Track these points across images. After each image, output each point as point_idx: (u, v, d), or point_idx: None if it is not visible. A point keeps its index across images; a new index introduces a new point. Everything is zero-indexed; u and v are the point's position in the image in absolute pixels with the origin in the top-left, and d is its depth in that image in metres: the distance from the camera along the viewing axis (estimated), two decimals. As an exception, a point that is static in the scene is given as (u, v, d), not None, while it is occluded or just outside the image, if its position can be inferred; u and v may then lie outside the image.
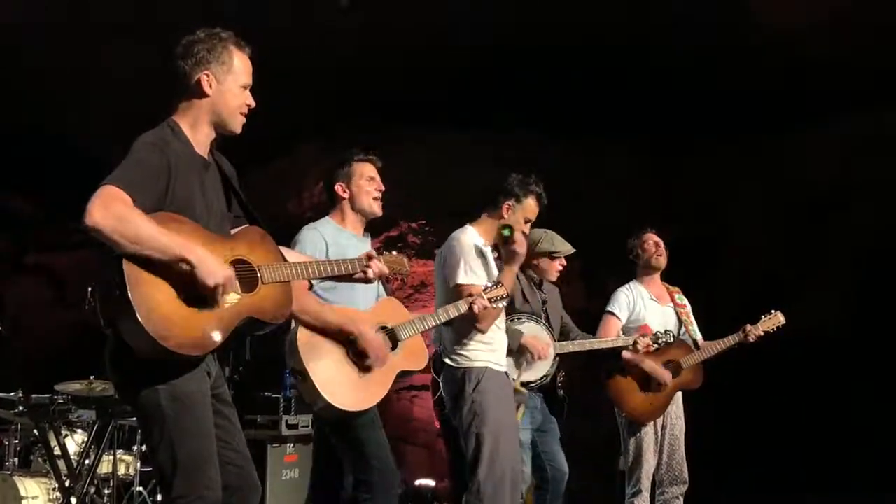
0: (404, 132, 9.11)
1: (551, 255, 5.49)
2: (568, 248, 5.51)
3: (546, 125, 9.13)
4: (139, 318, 2.76)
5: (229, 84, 3.13)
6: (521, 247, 4.70)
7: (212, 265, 2.88)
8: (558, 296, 5.78)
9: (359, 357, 4.05)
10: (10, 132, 8.68)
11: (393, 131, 8.85)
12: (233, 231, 3.18)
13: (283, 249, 3.30)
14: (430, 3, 7.81)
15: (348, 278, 3.56)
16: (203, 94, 3.12)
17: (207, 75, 3.11)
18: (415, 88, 8.63)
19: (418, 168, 9.22)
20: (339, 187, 4.41)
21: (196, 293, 2.89)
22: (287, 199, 9.83)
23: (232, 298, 2.99)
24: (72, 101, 8.77)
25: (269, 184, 9.92)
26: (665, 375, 5.65)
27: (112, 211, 2.78)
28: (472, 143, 9.32)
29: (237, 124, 3.18)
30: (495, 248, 4.91)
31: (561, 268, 5.59)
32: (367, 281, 3.59)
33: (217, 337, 2.93)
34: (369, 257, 3.58)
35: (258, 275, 3.07)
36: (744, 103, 8.69)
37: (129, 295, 2.77)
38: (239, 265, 3.04)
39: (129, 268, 2.80)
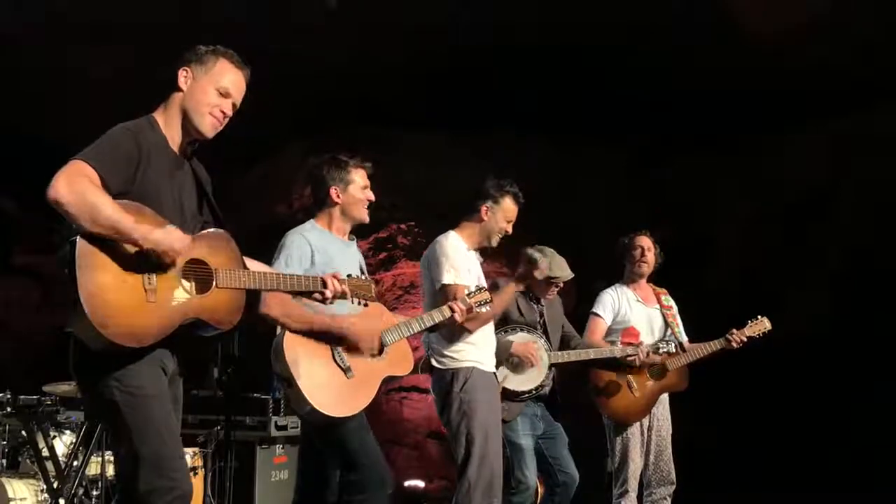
0: (392, 134, 9.13)
1: (550, 280, 5.50)
2: (567, 274, 5.52)
3: (532, 126, 9.15)
4: (81, 298, 2.78)
5: (203, 83, 3.19)
6: (541, 273, 4.94)
7: (161, 233, 2.90)
8: (560, 306, 5.86)
9: (349, 352, 4.06)
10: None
11: (380, 133, 8.87)
12: (199, 233, 3.16)
13: (248, 261, 3.26)
14: (415, 5, 7.81)
15: (306, 295, 3.47)
16: (178, 89, 3.20)
17: (186, 71, 3.21)
18: (401, 90, 8.64)
19: (406, 170, 9.23)
20: (333, 191, 4.38)
21: (148, 283, 2.89)
22: (275, 201, 9.82)
23: (180, 296, 2.99)
24: (52, 101, 8.76)
25: (256, 187, 9.93)
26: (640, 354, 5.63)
27: (75, 187, 2.82)
28: (458, 144, 9.34)
29: (206, 124, 3.19)
30: (483, 251, 4.98)
31: (556, 290, 5.68)
32: (324, 302, 3.49)
33: (155, 330, 2.92)
34: (323, 282, 3.46)
35: (214, 278, 3.06)
36: (726, 105, 8.72)
37: (77, 275, 2.79)
38: (196, 265, 3.04)
39: (82, 248, 2.82)
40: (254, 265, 3.30)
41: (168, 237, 2.92)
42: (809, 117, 8.78)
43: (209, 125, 3.20)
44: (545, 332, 5.56)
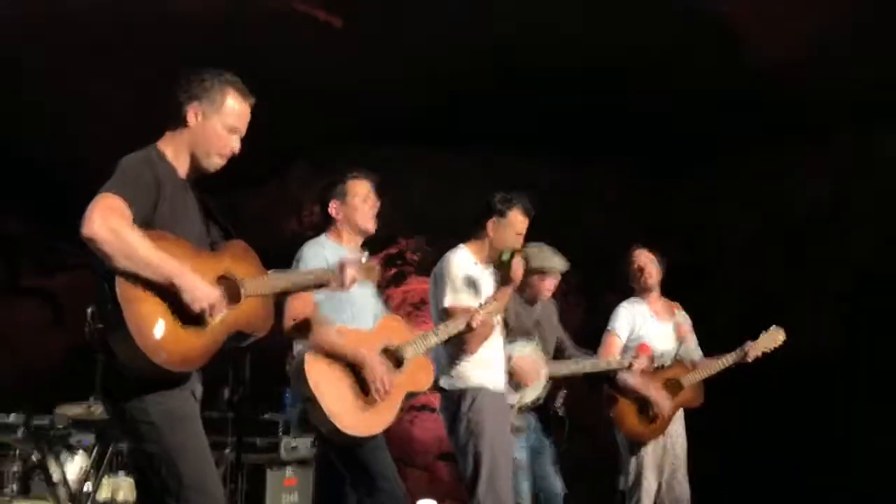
0: (400, 150, 9.13)
1: (542, 272, 5.43)
2: (559, 265, 5.42)
3: (536, 145, 9.14)
4: (131, 332, 2.80)
5: (214, 122, 3.17)
6: (517, 271, 4.66)
7: (200, 289, 2.93)
8: (555, 312, 5.73)
9: (364, 387, 4.07)
10: (4, 152, 8.69)
11: (388, 149, 8.87)
12: (217, 247, 3.23)
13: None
14: (424, 24, 7.84)
15: (324, 287, 3.67)
16: (187, 126, 3.18)
17: (196, 109, 3.17)
18: (410, 107, 8.64)
19: (416, 186, 9.23)
20: (332, 206, 4.43)
21: (186, 310, 2.93)
22: (286, 219, 9.83)
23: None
24: (56, 121, 8.80)
25: (266, 205, 9.94)
26: (663, 401, 5.61)
27: (110, 223, 2.82)
28: (469, 161, 9.34)
29: (212, 164, 3.21)
30: (497, 266, 4.92)
31: (552, 287, 5.53)
32: (342, 289, 3.68)
33: (205, 351, 2.99)
34: (342, 266, 3.66)
35: (241, 288, 3.12)
36: (728, 125, 8.71)
37: (122, 310, 2.81)
38: (223, 279, 3.09)
39: (121, 283, 2.83)
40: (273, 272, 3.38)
41: (200, 288, 2.94)
42: (811, 136, 8.75)
43: (212, 165, 3.22)
44: (542, 340, 5.44)
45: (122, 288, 2.83)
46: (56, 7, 7.37)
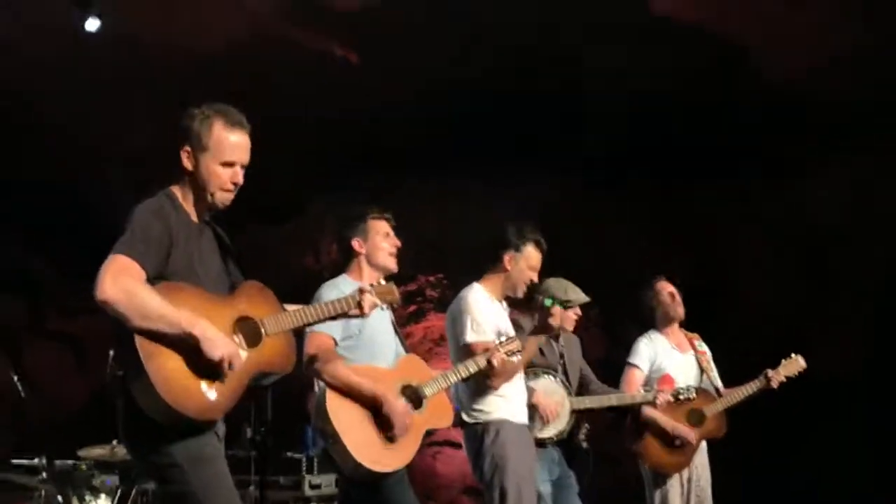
0: (417, 185, 9.17)
1: (564, 305, 5.44)
2: (581, 297, 5.39)
3: (555, 173, 9.16)
4: (158, 391, 2.83)
5: (207, 162, 3.15)
6: (556, 320, 4.72)
7: (215, 341, 2.94)
8: (578, 346, 5.72)
9: (384, 424, 4.06)
10: (30, 194, 8.79)
11: (406, 185, 8.91)
12: (233, 289, 3.23)
13: (286, 305, 3.34)
14: (438, 55, 7.91)
15: (345, 316, 3.62)
16: (185, 169, 3.17)
17: (187, 152, 3.16)
18: (425, 142, 8.69)
19: (433, 221, 9.26)
20: (356, 243, 4.43)
21: (206, 361, 2.94)
22: (303, 256, 9.87)
23: (241, 356, 3.04)
24: (85, 162, 8.90)
25: (284, 243, 9.98)
26: (688, 434, 5.58)
27: (122, 284, 2.85)
28: (485, 194, 9.35)
29: (218, 200, 3.19)
30: (514, 302, 4.91)
31: (576, 317, 5.50)
32: (362, 315, 3.64)
33: (231, 397, 3.01)
34: (361, 291, 3.63)
35: (261, 328, 3.12)
36: (747, 146, 8.71)
37: (146, 369, 2.84)
38: (243, 321, 3.10)
39: (141, 341, 2.86)
40: (290, 307, 3.37)
41: (216, 340, 2.94)
42: (831, 156, 8.73)
43: (222, 200, 3.20)
44: (565, 374, 5.44)
45: (142, 344, 2.86)
46: (79, 49, 7.48)
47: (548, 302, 4.71)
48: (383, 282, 3.85)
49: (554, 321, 4.71)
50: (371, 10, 7.55)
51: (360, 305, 3.58)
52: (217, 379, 2.97)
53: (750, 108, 8.34)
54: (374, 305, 3.66)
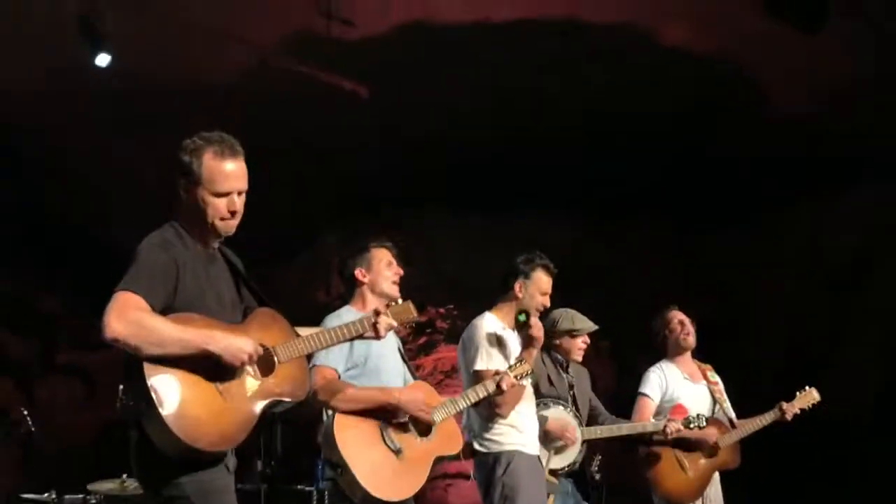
0: (429, 218, 9.18)
1: (572, 334, 5.43)
2: (589, 326, 5.46)
3: (568, 205, 9.17)
4: (169, 426, 2.82)
5: (201, 194, 3.10)
6: (537, 330, 4.70)
7: (233, 343, 2.94)
8: (588, 378, 5.72)
9: (399, 431, 4.07)
10: (40, 228, 8.83)
11: (417, 217, 8.92)
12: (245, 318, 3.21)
13: (299, 328, 3.33)
14: (446, 89, 7.94)
15: (359, 338, 3.60)
16: (183, 201, 3.15)
17: (182, 184, 3.14)
18: (436, 175, 8.71)
19: (444, 253, 9.26)
20: (359, 272, 4.45)
21: (220, 386, 2.93)
22: (315, 290, 9.87)
23: (252, 385, 3.04)
24: (97, 195, 8.94)
25: (296, 277, 9.98)
26: (710, 436, 5.55)
27: (129, 318, 2.84)
28: (495, 225, 9.37)
29: (220, 229, 3.16)
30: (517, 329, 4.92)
31: (584, 346, 5.53)
32: (377, 337, 3.61)
33: (246, 426, 3.00)
34: (377, 313, 3.60)
35: (275, 356, 3.11)
36: (764, 173, 8.71)
37: (156, 404, 2.82)
38: None
39: (151, 376, 2.84)
40: (304, 331, 3.35)
41: (234, 344, 2.95)
42: (848, 184, 8.72)
43: (224, 229, 3.17)
44: (575, 404, 5.43)
45: (153, 380, 2.84)
46: (92, 83, 7.53)
47: (521, 317, 4.70)
48: (400, 301, 3.84)
49: (535, 332, 4.67)
50: (381, 43, 7.60)
51: (375, 327, 3.55)
52: (233, 401, 2.94)
53: (765, 138, 8.34)
54: (391, 327, 3.63)
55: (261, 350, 3.03)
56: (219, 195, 3.10)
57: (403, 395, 4.13)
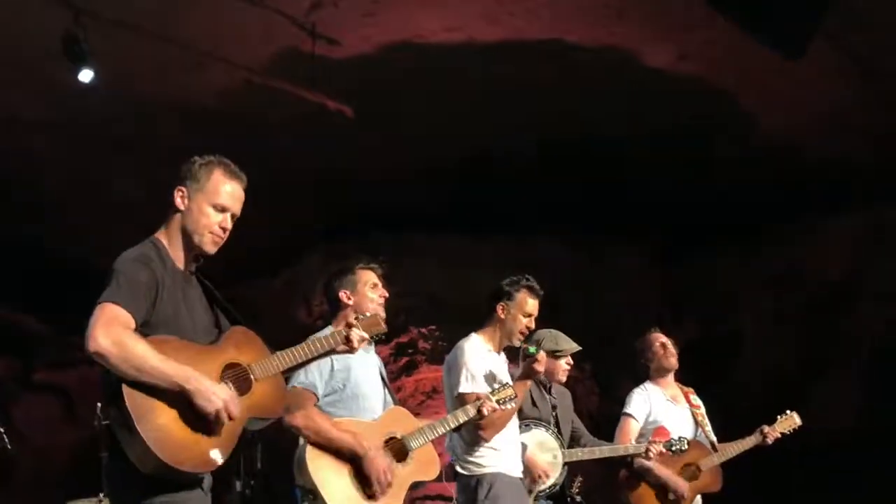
0: (411, 238, 9.18)
1: (555, 354, 5.42)
2: (572, 347, 5.46)
3: (553, 227, 9.19)
4: (152, 448, 2.79)
5: (199, 201, 3.17)
6: (540, 365, 4.72)
7: (209, 391, 2.91)
8: (570, 399, 5.72)
9: (365, 481, 4.02)
10: (16, 248, 8.77)
11: (400, 237, 8.92)
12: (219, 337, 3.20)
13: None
14: (432, 110, 7.95)
15: (332, 353, 3.57)
16: (176, 209, 3.19)
17: (181, 190, 3.19)
18: (421, 194, 8.72)
19: (427, 274, 9.25)
20: (343, 294, 4.41)
21: (199, 414, 2.91)
22: (296, 309, 9.84)
23: None
24: (73, 214, 8.89)
25: (278, 296, 9.96)
26: (681, 487, 5.53)
27: (113, 336, 2.83)
28: (480, 247, 9.37)
29: (206, 243, 3.19)
30: (510, 351, 4.91)
31: (568, 367, 5.54)
32: (351, 350, 3.58)
33: (227, 450, 2.98)
34: (349, 326, 3.58)
35: (250, 374, 3.10)
36: (748, 199, 8.76)
37: (137, 428, 2.80)
38: (229, 368, 3.08)
39: (130, 398, 2.82)
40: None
41: (209, 389, 2.92)
42: (832, 210, 8.78)
43: (210, 243, 3.20)
44: (557, 426, 5.42)
45: (132, 401, 2.82)
46: (78, 106, 7.50)
47: (531, 349, 4.72)
48: (368, 314, 3.81)
49: (538, 366, 4.71)
50: (366, 62, 7.61)
51: (347, 340, 3.53)
52: (212, 431, 2.93)
53: (750, 164, 8.39)
54: (363, 340, 3.59)
55: (237, 405, 2.99)
56: (216, 207, 3.18)
57: (372, 454, 4.04)
